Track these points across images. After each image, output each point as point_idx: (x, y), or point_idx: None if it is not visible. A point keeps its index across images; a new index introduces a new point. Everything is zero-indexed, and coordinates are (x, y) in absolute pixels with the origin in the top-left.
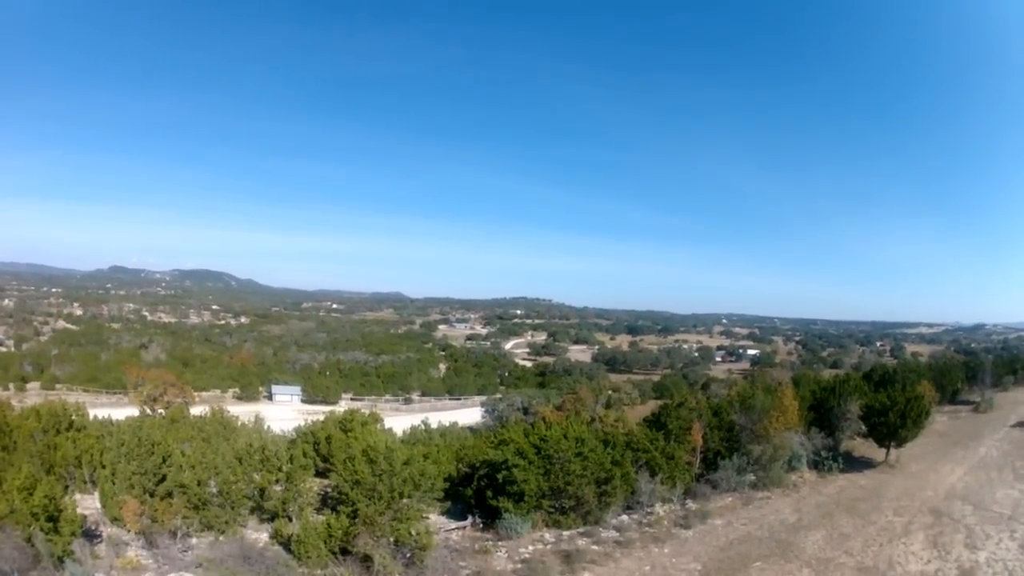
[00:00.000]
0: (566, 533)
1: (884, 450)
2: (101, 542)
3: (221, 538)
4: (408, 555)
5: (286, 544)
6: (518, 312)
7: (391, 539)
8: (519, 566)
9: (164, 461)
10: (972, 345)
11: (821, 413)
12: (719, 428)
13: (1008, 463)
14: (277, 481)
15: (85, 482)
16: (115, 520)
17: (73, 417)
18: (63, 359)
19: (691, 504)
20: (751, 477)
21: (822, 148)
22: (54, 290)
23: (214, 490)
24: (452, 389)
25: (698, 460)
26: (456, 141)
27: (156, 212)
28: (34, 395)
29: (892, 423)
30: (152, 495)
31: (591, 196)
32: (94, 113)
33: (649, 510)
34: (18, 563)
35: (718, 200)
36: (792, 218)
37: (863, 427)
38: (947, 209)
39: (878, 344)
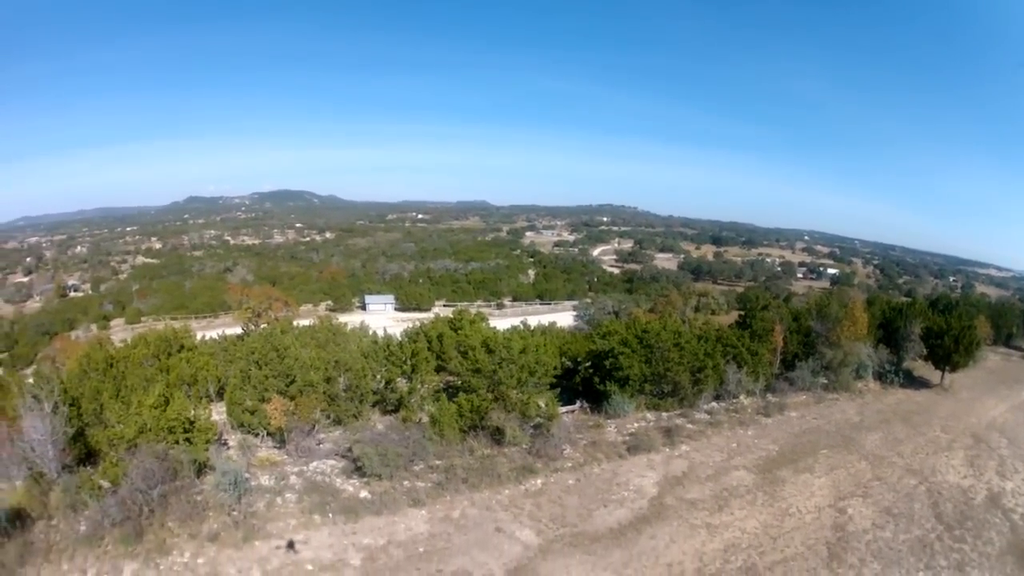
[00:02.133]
0: (665, 414)
1: (940, 373)
2: (229, 449)
3: (348, 431)
4: (532, 428)
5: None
6: (604, 219)
7: (519, 414)
8: (627, 438)
9: (296, 362)
10: None
11: (888, 332)
12: (797, 332)
13: None
14: (403, 374)
15: (200, 398)
16: (242, 426)
17: (183, 340)
18: (145, 293)
19: (771, 398)
20: (823, 380)
21: (910, 75)
22: (128, 229)
23: (342, 386)
24: (542, 294)
25: (778, 360)
26: (537, 49)
27: (230, 138)
28: (120, 331)
29: (947, 346)
30: (283, 396)
31: (675, 105)
32: (151, 52)
33: (735, 400)
34: (158, 476)
35: (802, 115)
36: (876, 142)
37: (924, 350)
38: None
39: (951, 279)
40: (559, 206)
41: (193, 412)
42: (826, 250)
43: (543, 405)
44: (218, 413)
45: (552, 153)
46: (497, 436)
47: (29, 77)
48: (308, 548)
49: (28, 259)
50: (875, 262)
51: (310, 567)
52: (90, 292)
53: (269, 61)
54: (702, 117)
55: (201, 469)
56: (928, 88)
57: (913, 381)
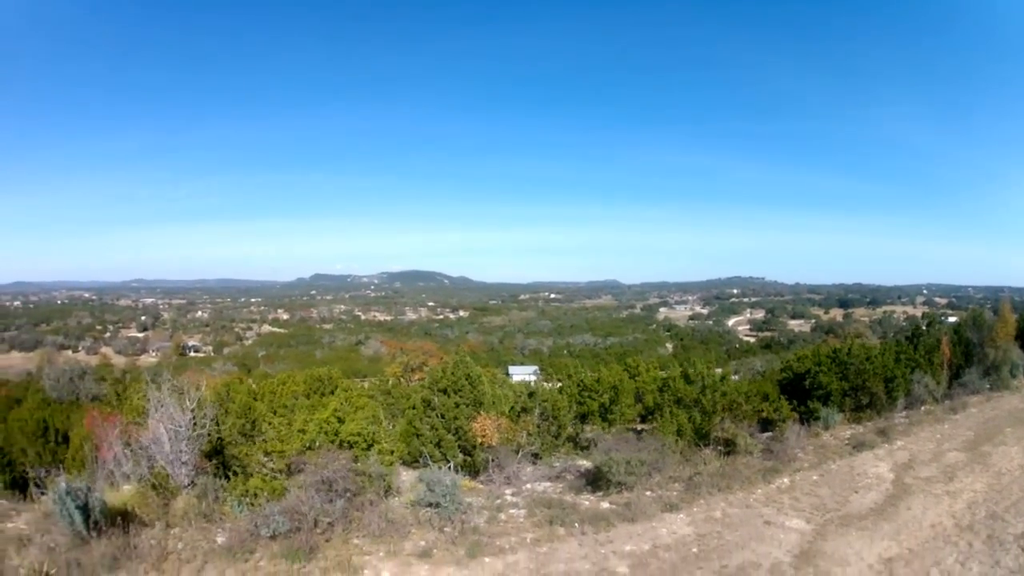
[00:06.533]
0: (867, 424)
1: None
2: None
3: (544, 465)
4: (762, 432)
5: None
6: (734, 292)
7: (750, 422)
8: (846, 443)
9: (489, 389)
10: None
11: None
12: (959, 344)
13: None
14: (600, 407)
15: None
16: (418, 460)
17: (337, 382)
18: (272, 359)
19: (948, 403)
20: (986, 384)
21: (1003, 104)
22: (253, 300)
23: (538, 418)
24: (684, 364)
25: (945, 370)
26: (649, 125)
27: (358, 218)
28: None
29: None
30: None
31: (792, 170)
32: (279, 130)
33: (922, 406)
34: (340, 486)
35: (905, 164)
36: (974, 179)
37: None
38: None
39: None
40: (689, 281)
41: (375, 430)
42: (943, 301)
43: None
44: None
45: (679, 228)
46: (726, 448)
47: (152, 145)
48: (557, 561)
49: (143, 317)
50: (988, 306)
51: None
52: (211, 354)
53: (398, 143)
54: (818, 179)
55: (388, 491)
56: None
57: None
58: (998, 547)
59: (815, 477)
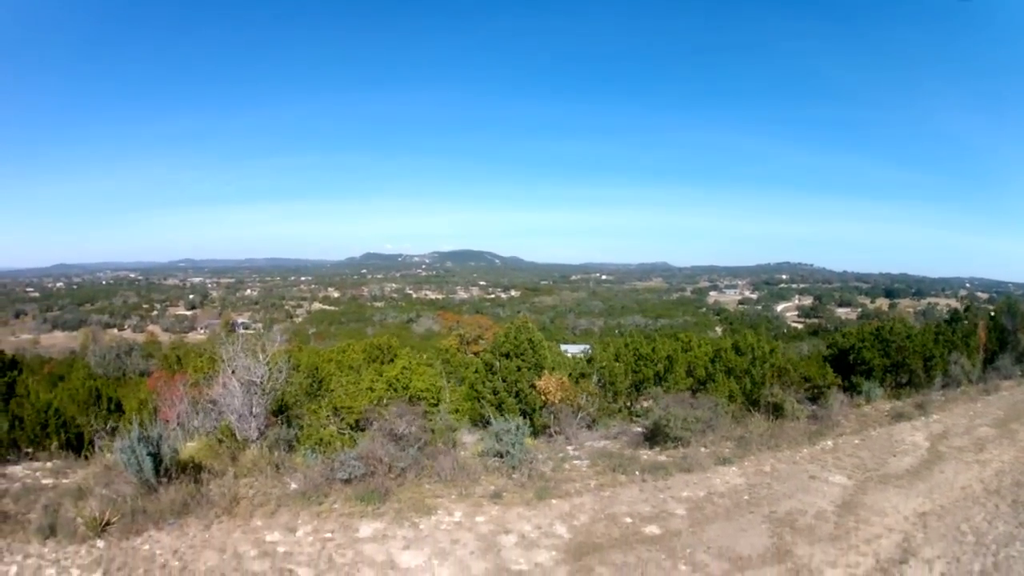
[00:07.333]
0: (906, 399)
1: None
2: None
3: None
4: (808, 400)
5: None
6: (783, 277)
7: (797, 388)
8: (886, 414)
9: (549, 352)
10: None
11: None
12: (994, 330)
13: None
14: (655, 375)
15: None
16: (477, 423)
17: (397, 351)
18: (323, 336)
19: (982, 385)
20: (1018, 370)
21: None
22: (303, 278)
23: (595, 383)
24: (735, 338)
25: (981, 355)
26: (701, 108)
27: (409, 199)
28: None
29: None
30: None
31: (836, 156)
32: (331, 115)
33: (958, 387)
34: (413, 435)
35: (953, 156)
36: (1021, 174)
37: None
38: None
39: None
40: (738, 266)
41: (442, 388)
42: (985, 296)
43: (820, 379)
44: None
45: (729, 212)
46: (775, 413)
47: (200, 126)
48: (619, 503)
49: (191, 296)
50: None
51: (629, 520)
52: (262, 331)
53: (450, 124)
54: (867, 166)
55: (454, 445)
56: None
57: None
58: (1022, 510)
59: (856, 441)
